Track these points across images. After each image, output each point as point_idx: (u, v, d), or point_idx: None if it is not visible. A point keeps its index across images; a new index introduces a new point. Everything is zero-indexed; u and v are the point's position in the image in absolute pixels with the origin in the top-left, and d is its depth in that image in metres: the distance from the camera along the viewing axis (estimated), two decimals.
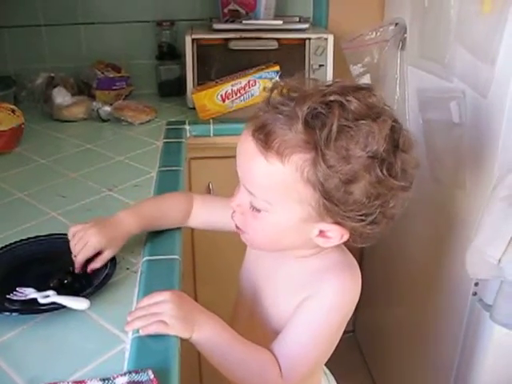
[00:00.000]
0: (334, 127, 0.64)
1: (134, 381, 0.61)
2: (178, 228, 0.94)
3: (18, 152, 1.35)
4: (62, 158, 1.32)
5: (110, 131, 1.52)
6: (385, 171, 0.66)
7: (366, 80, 1.62)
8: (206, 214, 0.94)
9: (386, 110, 0.69)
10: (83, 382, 0.62)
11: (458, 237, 1.29)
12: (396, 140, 0.68)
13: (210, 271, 1.60)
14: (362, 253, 2.16)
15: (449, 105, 1.26)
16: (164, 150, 1.33)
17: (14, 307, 0.73)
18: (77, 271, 0.81)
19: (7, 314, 0.71)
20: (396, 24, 1.57)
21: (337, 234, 0.72)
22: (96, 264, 0.81)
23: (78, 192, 1.10)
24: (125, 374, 0.62)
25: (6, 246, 0.87)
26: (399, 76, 1.57)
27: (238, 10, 1.66)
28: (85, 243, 0.80)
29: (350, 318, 2.04)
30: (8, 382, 0.62)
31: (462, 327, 1.31)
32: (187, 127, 1.49)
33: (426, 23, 1.40)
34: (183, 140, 1.40)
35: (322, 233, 0.73)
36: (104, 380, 0.62)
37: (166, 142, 1.39)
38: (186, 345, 0.70)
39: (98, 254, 0.82)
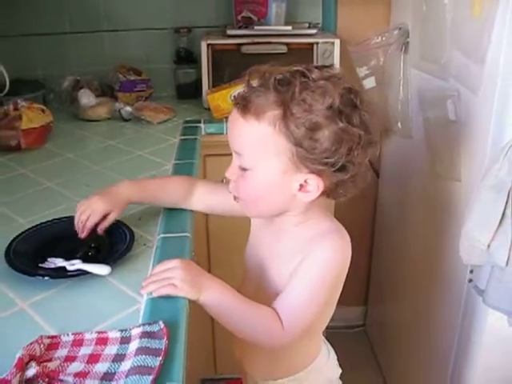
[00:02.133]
0: (297, 87, 0.78)
1: (147, 331, 0.71)
2: (191, 210, 1.05)
3: (47, 148, 1.47)
4: (86, 153, 1.44)
5: (130, 129, 1.64)
6: (344, 120, 0.78)
7: (371, 82, 1.71)
8: (208, 198, 1.05)
9: (342, 78, 0.82)
10: (104, 332, 0.73)
11: (455, 227, 1.35)
12: (353, 100, 0.81)
13: (223, 253, 1.69)
14: (370, 253, 2.24)
15: (445, 103, 1.34)
16: (180, 146, 1.44)
17: (46, 273, 0.84)
18: (83, 236, 0.93)
19: (40, 278, 0.83)
20: (399, 29, 1.66)
21: (314, 185, 0.83)
22: (104, 223, 0.93)
23: (100, 182, 1.21)
24: (139, 325, 0.73)
25: (39, 224, 0.99)
26: (402, 78, 1.65)
27: (250, 17, 1.77)
28: (91, 210, 0.92)
29: (362, 312, 2.14)
30: (42, 331, 0.73)
31: (460, 313, 1.37)
32: (202, 125, 1.60)
33: (424, 27, 1.49)
34: (198, 137, 1.51)
35: (301, 187, 0.84)
36: (122, 331, 0.73)
37: (182, 139, 1.50)
38: (199, 307, 0.80)
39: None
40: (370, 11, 1.87)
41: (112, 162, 1.34)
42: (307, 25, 1.84)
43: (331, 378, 1.11)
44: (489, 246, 1.14)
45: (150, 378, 0.63)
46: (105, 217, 0.94)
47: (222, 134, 1.59)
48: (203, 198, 1.04)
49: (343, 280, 0.94)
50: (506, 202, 1.10)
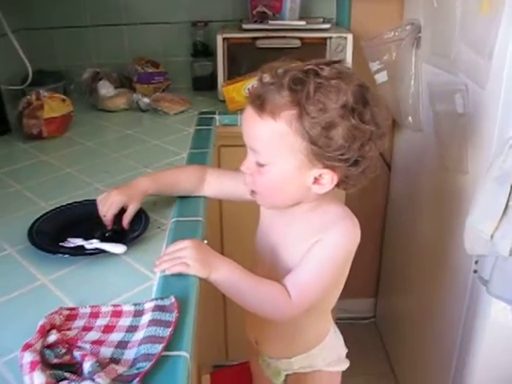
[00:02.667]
0: (311, 87, 0.81)
1: (159, 305, 0.76)
2: (205, 197, 1.10)
3: (67, 136, 1.53)
4: (105, 141, 1.50)
5: (148, 120, 1.70)
6: (356, 118, 0.82)
7: (383, 76, 1.74)
8: (218, 185, 1.10)
9: (353, 75, 0.86)
10: (119, 305, 0.78)
11: (462, 219, 1.37)
12: (364, 96, 0.84)
13: (236, 238, 1.72)
14: (381, 246, 2.28)
15: (454, 97, 1.37)
16: (195, 136, 1.49)
17: (66, 251, 0.89)
18: (109, 227, 0.98)
19: (60, 255, 0.88)
20: (412, 24, 1.69)
21: (328, 178, 0.87)
22: (126, 218, 0.98)
23: (118, 168, 1.27)
24: (152, 300, 0.78)
25: (59, 207, 1.05)
26: (414, 72, 1.68)
27: (265, 12, 1.81)
28: (111, 202, 0.97)
29: (372, 304, 2.19)
30: (62, 303, 0.78)
31: (465, 304, 1.41)
32: (217, 117, 1.65)
33: (435, 23, 1.52)
34: (212, 127, 1.56)
35: (316, 180, 0.88)
36: (135, 304, 0.78)
37: (198, 129, 1.55)
38: (211, 298, 0.85)
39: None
40: (383, 7, 1.90)
41: (129, 150, 1.40)
42: (321, 20, 1.87)
43: (340, 355, 1.17)
44: (492, 236, 1.17)
45: (161, 346, 0.68)
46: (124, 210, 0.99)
47: (236, 125, 1.64)
48: (214, 184, 1.09)
49: (350, 263, 0.99)
50: (510, 194, 1.13)
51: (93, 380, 0.60)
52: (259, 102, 0.85)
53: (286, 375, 1.17)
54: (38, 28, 1.94)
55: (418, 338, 1.82)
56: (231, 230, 1.76)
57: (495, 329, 1.33)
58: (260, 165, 0.89)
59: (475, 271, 1.35)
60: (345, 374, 1.94)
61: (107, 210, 0.98)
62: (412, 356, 1.90)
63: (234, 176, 1.01)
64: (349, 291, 2.17)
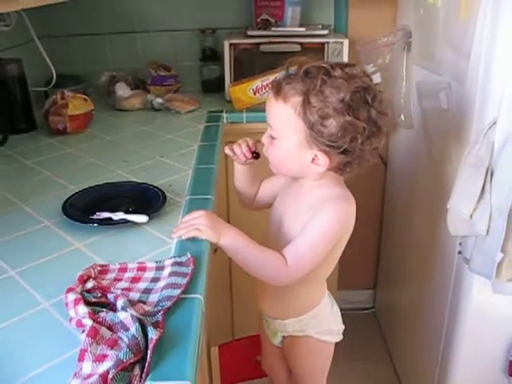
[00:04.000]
0: (319, 81, 0.97)
1: (177, 261, 0.91)
2: (214, 176, 1.26)
3: (88, 132, 1.69)
4: (123, 136, 1.66)
5: (161, 118, 1.85)
6: (351, 114, 0.96)
7: (377, 78, 1.88)
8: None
9: (361, 77, 1.00)
10: (143, 262, 0.92)
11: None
12: (365, 97, 0.98)
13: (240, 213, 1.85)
14: (379, 240, 2.41)
15: (439, 95, 1.51)
16: (204, 131, 1.65)
17: (95, 221, 1.05)
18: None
19: (90, 224, 1.04)
20: (403, 30, 1.83)
21: (323, 160, 1.03)
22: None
23: (136, 158, 1.42)
24: (171, 257, 0.92)
25: (88, 187, 1.21)
26: (405, 74, 1.82)
27: (268, 20, 1.97)
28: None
29: (371, 295, 2.30)
30: (94, 261, 0.93)
31: (451, 286, 1.53)
32: (224, 115, 1.81)
33: (422, 28, 1.67)
34: (220, 124, 1.72)
35: (314, 160, 1.04)
36: (157, 261, 0.92)
37: (207, 126, 1.70)
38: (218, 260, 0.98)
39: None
40: (378, 14, 2.05)
41: (146, 143, 1.55)
42: (320, 26, 2.02)
43: (333, 328, 1.30)
44: (471, 216, 1.30)
45: (179, 290, 0.82)
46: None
47: (241, 123, 1.79)
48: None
49: (344, 240, 1.14)
50: (485, 178, 1.27)
51: (126, 311, 0.75)
52: (276, 88, 1.02)
53: (283, 337, 1.31)
54: (61, 35, 2.11)
55: (412, 324, 1.93)
56: (237, 208, 1.86)
57: (477, 307, 1.44)
58: (272, 138, 1.07)
59: (459, 252, 1.46)
60: (345, 359, 2.10)
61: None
62: (407, 342, 2.01)
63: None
64: (349, 283, 2.35)
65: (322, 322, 1.26)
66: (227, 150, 1.21)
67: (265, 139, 1.10)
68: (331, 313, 1.29)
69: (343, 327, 1.32)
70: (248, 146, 1.18)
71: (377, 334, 2.38)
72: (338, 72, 0.98)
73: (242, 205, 1.33)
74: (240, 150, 1.18)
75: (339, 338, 1.31)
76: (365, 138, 0.99)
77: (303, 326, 1.25)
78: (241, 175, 1.26)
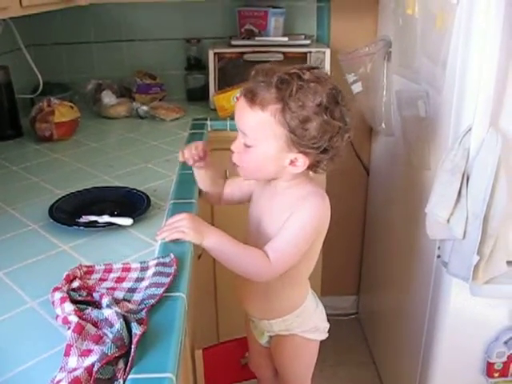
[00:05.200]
0: (294, 87, 1.00)
1: (160, 262, 0.93)
2: (195, 181, 1.28)
3: (74, 139, 1.71)
4: (109, 143, 1.69)
5: (146, 125, 1.88)
6: (328, 115, 1.01)
7: (358, 86, 1.93)
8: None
9: (328, 79, 1.05)
10: (128, 263, 0.95)
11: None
12: (336, 97, 1.03)
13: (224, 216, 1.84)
14: (362, 247, 2.44)
15: (417, 103, 1.56)
16: (189, 138, 1.68)
17: (81, 224, 1.07)
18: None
19: (77, 227, 1.06)
20: (383, 40, 1.88)
21: (301, 161, 1.06)
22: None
23: (122, 163, 1.45)
24: (155, 258, 0.95)
25: (74, 192, 1.23)
26: (386, 83, 1.87)
27: (252, 30, 2.01)
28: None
29: (355, 301, 2.32)
30: (80, 262, 0.95)
31: (430, 289, 1.56)
32: (208, 122, 1.84)
33: (401, 38, 1.71)
34: (205, 131, 1.75)
35: (292, 162, 1.07)
36: (141, 262, 0.95)
37: (191, 133, 1.74)
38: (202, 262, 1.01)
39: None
40: (359, 25, 2.09)
41: (131, 150, 1.58)
42: (303, 36, 2.07)
43: (318, 326, 1.32)
44: (448, 220, 1.34)
45: (163, 289, 0.85)
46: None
47: (225, 130, 1.82)
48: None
49: (322, 235, 1.17)
50: (461, 183, 1.31)
51: (110, 308, 0.77)
52: (251, 96, 1.03)
53: (270, 336, 1.35)
54: (46, 44, 2.13)
55: (394, 328, 1.97)
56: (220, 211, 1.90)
57: (456, 310, 1.47)
58: (247, 146, 1.08)
59: (438, 256, 1.50)
60: (329, 364, 2.13)
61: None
62: (389, 346, 2.05)
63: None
64: (333, 289, 2.38)
65: (306, 321, 1.29)
66: (180, 155, 1.21)
67: (236, 147, 1.11)
68: (316, 311, 1.32)
69: (328, 325, 1.35)
70: (196, 149, 1.20)
71: (360, 338, 2.41)
72: (307, 75, 1.02)
73: (209, 203, 1.38)
74: (188, 153, 1.20)
75: (325, 335, 1.35)
76: (340, 135, 1.04)
77: (289, 326, 1.28)
78: (199, 177, 1.28)
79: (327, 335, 1.35)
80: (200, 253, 1.04)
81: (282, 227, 1.09)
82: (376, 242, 2.25)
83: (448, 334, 1.52)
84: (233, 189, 1.31)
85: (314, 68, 1.06)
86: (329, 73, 1.89)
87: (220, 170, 1.31)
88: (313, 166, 1.11)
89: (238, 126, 1.09)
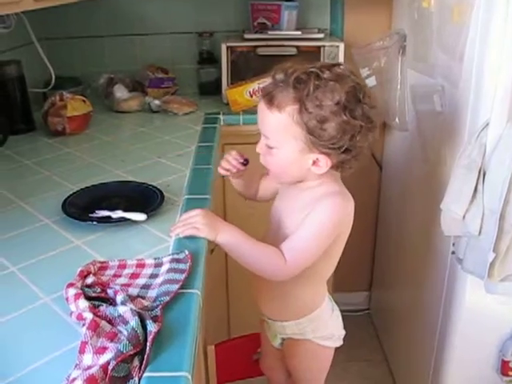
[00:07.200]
0: (311, 87, 0.98)
1: (175, 258, 0.92)
2: (211, 176, 1.27)
3: (87, 133, 1.71)
4: (121, 137, 1.68)
5: (159, 120, 1.87)
6: (348, 114, 0.99)
7: (372, 81, 1.91)
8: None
9: (349, 76, 1.02)
10: (142, 259, 0.94)
11: None
12: (357, 95, 1.01)
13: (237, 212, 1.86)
14: (374, 242, 2.43)
15: (433, 97, 1.54)
16: (201, 133, 1.67)
17: (94, 219, 1.06)
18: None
19: (90, 222, 1.06)
20: (398, 33, 1.86)
21: (324, 161, 1.05)
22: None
23: (134, 158, 1.45)
24: (169, 254, 0.94)
25: (87, 186, 1.23)
26: (400, 77, 1.85)
27: (265, 23, 2.00)
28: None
29: (367, 297, 2.30)
30: (93, 258, 0.95)
31: (444, 286, 1.55)
32: (221, 117, 1.83)
33: (416, 32, 1.69)
34: (217, 125, 1.74)
35: (314, 163, 1.05)
36: (155, 258, 0.94)
37: (204, 127, 1.73)
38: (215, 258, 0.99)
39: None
40: (373, 18, 2.07)
41: (143, 144, 1.57)
42: (316, 30, 2.05)
43: (333, 333, 1.30)
44: (464, 216, 1.32)
45: (177, 285, 0.84)
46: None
47: (238, 124, 1.81)
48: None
49: (343, 236, 1.15)
50: (478, 179, 1.29)
51: (125, 305, 0.77)
52: (269, 98, 1.02)
53: (282, 339, 1.33)
54: (58, 38, 2.13)
55: (406, 325, 1.95)
56: (233, 207, 1.89)
57: (470, 307, 1.45)
58: (269, 147, 1.07)
59: (453, 252, 1.48)
60: (340, 360, 2.11)
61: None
62: (402, 342, 2.03)
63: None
64: (345, 285, 2.37)
65: (321, 327, 1.27)
66: (220, 170, 1.22)
67: (260, 149, 1.10)
68: (331, 318, 1.29)
69: (344, 332, 1.32)
70: (236, 158, 1.20)
71: (372, 335, 2.40)
72: (327, 74, 0.99)
73: (245, 198, 1.36)
74: (230, 165, 1.20)
75: (339, 343, 1.32)
76: (362, 134, 1.02)
77: (302, 330, 1.26)
78: (237, 184, 1.28)
79: (342, 342, 1.33)
80: (213, 247, 1.02)
81: (299, 225, 1.07)
82: (389, 237, 2.23)
83: (462, 332, 1.50)
84: (265, 187, 1.30)
85: (335, 65, 1.03)
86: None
87: (254, 172, 1.28)
88: (338, 166, 1.09)
89: (260, 128, 1.08)
